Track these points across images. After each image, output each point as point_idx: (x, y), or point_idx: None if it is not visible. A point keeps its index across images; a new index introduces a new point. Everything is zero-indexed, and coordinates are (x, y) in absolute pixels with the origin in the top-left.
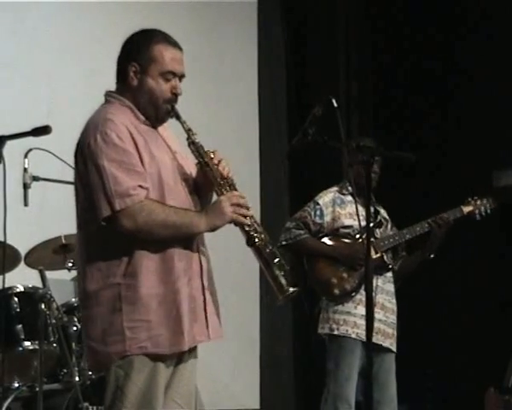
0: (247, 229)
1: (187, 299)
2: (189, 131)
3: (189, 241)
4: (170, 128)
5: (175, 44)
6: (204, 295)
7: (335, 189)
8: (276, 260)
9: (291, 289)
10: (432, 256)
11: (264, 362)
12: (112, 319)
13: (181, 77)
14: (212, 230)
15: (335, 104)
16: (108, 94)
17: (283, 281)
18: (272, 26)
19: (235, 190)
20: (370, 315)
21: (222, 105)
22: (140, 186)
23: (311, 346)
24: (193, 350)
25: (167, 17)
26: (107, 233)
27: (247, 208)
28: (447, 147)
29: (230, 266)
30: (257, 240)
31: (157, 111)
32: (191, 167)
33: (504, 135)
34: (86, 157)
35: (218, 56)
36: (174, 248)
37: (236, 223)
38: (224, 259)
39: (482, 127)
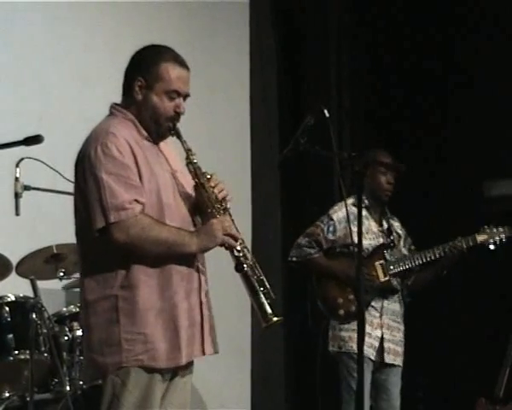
0: (236, 254)
1: (185, 314)
2: (188, 151)
3: (189, 258)
4: (171, 145)
5: (182, 64)
6: (202, 311)
7: (351, 201)
8: (263, 288)
9: (275, 319)
10: (445, 273)
11: (255, 374)
12: (109, 330)
13: (185, 96)
14: (203, 251)
15: (327, 114)
16: (113, 106)
17: (268, 309)
18: (264, 29)
19: (229, 215)
20: (362, 331)
21: (212, 111)
22: (136, 200)
23: (306, 360)
24: (189, 364)
25: (160, 20)
26: (104, 245)
27: (238, 234)
28: (447, 147)
29: (222, 277)
30: (245, 266)
31: (158, 128)
32: (191, 186)
33: (504, 135)
34: (86, 168)
35: (208, 63)
36: (172, 263)
37: (226, 247)
38: (215, 269)
39: (482, 127)
